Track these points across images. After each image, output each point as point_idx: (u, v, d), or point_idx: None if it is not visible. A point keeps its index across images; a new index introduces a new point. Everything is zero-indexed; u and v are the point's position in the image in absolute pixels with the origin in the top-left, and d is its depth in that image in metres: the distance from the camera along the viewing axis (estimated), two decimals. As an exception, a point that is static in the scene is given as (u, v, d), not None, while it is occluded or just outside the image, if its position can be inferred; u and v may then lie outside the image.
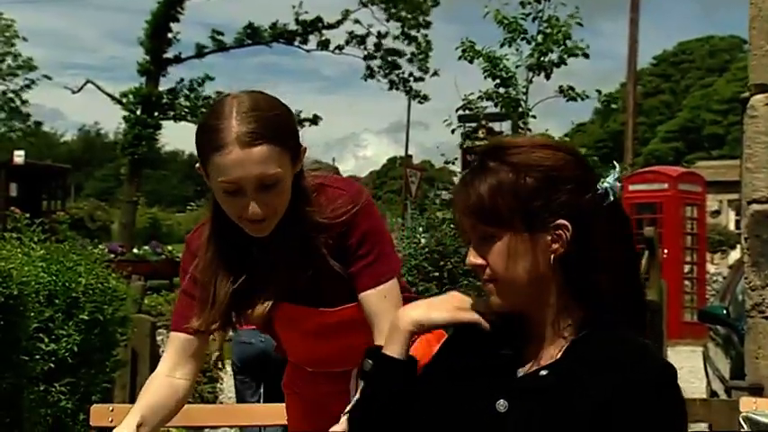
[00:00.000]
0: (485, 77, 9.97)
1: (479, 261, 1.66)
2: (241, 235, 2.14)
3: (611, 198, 1.66)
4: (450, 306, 1.79)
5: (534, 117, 10.01)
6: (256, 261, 2.20)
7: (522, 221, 1.62)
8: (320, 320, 2.25)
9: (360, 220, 2.18)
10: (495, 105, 10.00)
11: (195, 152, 2.08)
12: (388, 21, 25.10)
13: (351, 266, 2.18)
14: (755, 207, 4.19)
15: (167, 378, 2.23)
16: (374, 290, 2.17)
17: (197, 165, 2.09)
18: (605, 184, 1.67)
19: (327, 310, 2.24)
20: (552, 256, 1.62)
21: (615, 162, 1.74)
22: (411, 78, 25.96)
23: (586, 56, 9.96)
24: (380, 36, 25.28)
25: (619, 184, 1.68)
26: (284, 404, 2.52)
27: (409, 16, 24.84)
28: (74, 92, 24.93)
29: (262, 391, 5.80)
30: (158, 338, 6.92)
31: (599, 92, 10.64)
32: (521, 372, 1.67)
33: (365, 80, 25.76)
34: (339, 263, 2.17)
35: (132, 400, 5.91)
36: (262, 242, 2.16)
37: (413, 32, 25.21)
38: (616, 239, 1.67)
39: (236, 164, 1.97)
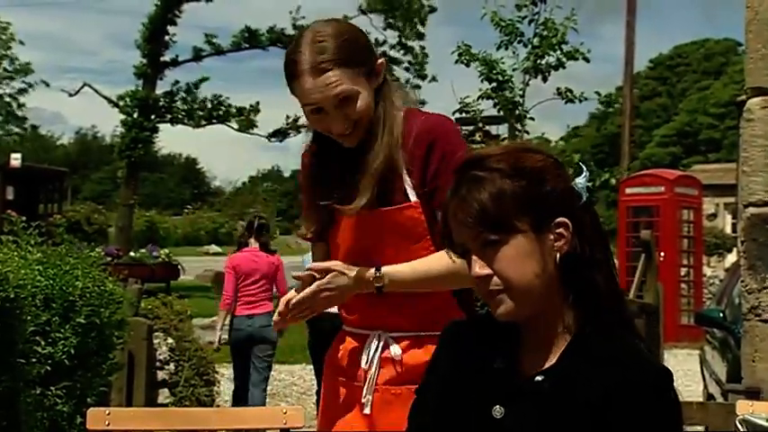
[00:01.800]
0: (481, 81, 10.00)
1: (486, 271, 1.64)
2: (334, 146, 2.40)
3: (584, 198, 1.68)
4: None
5: (533, 119, 10.04)
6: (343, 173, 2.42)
7: (526, 224, 1.62)
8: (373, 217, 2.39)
9: (441, 140, 2.36)
10: (494, 106, 10.02)
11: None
12: (385, 29, 25.16)
13: (432, 182, 2.35)
14: (752, 210, 4.20)
15: None
16: None
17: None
18: (579, 186, 1.69)
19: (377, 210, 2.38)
20: (558, 255, 1.64)
21: (581, 163, 1.77)
22: (408, 84, 26.01)
23: (587, 60, 9.97)
24: (378, 44, 25.34)
25: (589, 184, 1.71)
26: (279, 407, 2.54)
27: (406, 26, 24.88)
28: (71, 95, 24.95)
29: (253, 362, 7.33)
30: (155, 341, 6.90)
31: (598, 93, 10.67)
32: (517, 377, 1.67)
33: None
34: (413, 179, 2.36)
35: (129, 403, 5.92)
36: (351, 152, 2.39)
37: (409, 42, 25.29)
38: (601, 238, 1.70)
39: (311, 90, 2.28)
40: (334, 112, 2.30)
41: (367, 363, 2.40)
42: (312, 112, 2.33)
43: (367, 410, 2.39)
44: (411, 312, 2.39)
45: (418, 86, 26.18)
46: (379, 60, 2.40)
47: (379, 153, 2.34)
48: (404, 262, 2.36)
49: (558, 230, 1.64)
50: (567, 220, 1.64)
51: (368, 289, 2.35)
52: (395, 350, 2.40)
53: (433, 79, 25.85)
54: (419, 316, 2.40)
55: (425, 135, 2.36)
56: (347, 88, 2.29)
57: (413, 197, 2.37)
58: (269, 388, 7.86)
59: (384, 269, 2.34)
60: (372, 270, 2.34)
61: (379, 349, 2.41)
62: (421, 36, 25.32)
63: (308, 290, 2.34)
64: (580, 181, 1.69)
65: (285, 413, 2.47)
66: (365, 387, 2.40)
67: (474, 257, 1.65)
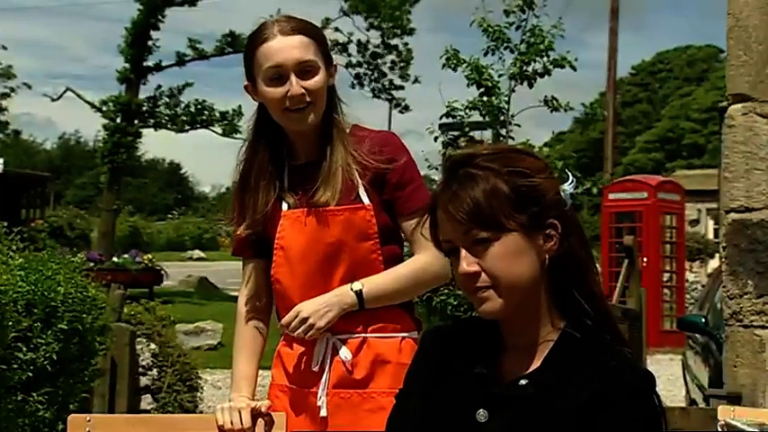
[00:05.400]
0: (468, 85, 10.01)
1: (474, 268, 1.64)
2: (278, 149, 2.48)
3: (568, 205, 1.70)
4: None
5: (519, 126, 10.06)
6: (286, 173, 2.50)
7: (517, 223, 1.63)
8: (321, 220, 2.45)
9: (400, 156, 2.48)
10: (481, 114, 10.03)
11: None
12: (368, 30, 25.17)
13: (395, 192, 2.45)
14: (733, 216, 4.22)
15: (253, 308, 2.55)
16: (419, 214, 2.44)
17: (245, 84, 2.48)
18: (565, 191, 1.70)
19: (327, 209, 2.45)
20: (546, 257, 1.65)
21: (568, 171, 1.79)
22: (392, 87, 26.06)
23: (573, 68, 9.99)
24: (361, 44, 25.35)
25: (574, 192, 1.73)
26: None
27: (390, 25, 24.89)
28: (53, 99, 24.80)
29: None
30: (138, 347, 6.88)
31: (584, 105, 10.71)
32: (500, 381, 1.67)
33: (353, 88, 25.85)
34: (373, 190, 2.43)
35: (111, 409, 5.89)
36: (296, 154, 2.49)
37: (393, 41, 25.31)
38: (586, 244, 1.72)
39: (279, 49, 2.37)
40: (293, 80, 2.37)
41: (317, 365, 2.43)
42: (271, 79, 2.39)
43: (323, 413, 2.41)
44: (356, 314, 2.43)
45: (402, 87, 26.26)
46: (335, 63, 2.51)
47: (340, 151, 2.44)
48: (356, 259, 2.43)
49: (547, 232, 1.65)
50: (557, 222, 1.66)
51: (349, 304, 2.41)
52: (344, 353, 2.43)
53: (416, 81, 25.88)
54: (364, 318, 2.44)
55: (384, 148, 2.46)
56: (311, 57, 2.40)
57: (366, 200, 2.44)
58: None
59: (361, 284, 2.42)
60: (348, 287, 2.42)
61: (329, 352, 2.44)
62: (408, 31, 25.30)
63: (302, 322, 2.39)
64: (566, 188, 1.70)
65: (267, 419, 2.45)
66: (320, 389, 2.43)
67: (462, 254, 1.65)
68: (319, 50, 2.43)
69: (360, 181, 2.44)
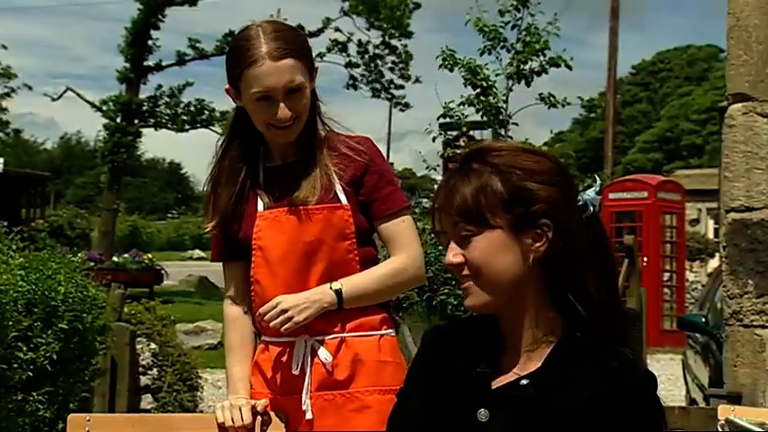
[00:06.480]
0: (465, 86, 9.99)
1: (459, 260, 1.67)
2: (253, 150, 2.50)
3: (591, 211, 1.69)
4: None
5: (516, 124, 10.05)
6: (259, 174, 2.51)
7: (504, 221, 1.64)
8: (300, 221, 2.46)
9: (377, 159, 2.52)
10: (477, 112, 10.02)
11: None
12: (368, 29, 25.19)
13: (371, 195, 2.48)
14: (733, 216, 4.22)
15: (239, 311, 2.55)
16: (396, 216, 2.50)
17: (226, 87, 2.48)
18: (586, 197, 1.70)
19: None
20: (533, 257, 1.65)
21: (597, 175, 1.78)
22: (392, 86, 26.09)
23: (569, 67, 9.98)
24: (361, 45, 25.38)
25: (599, 197, 1.72)
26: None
27: (390, 26, 24.93)
28: (53, 99, 24.82)
29: None
30: (138, 347, 6.88)
31: (581, 99, 10.69)
32: (501, 380, 1.67)
33: (347, 88, 25.89)
34: (350, 192, 2.45)
35: (112, 409, 5.89)
36: (272, 156, 2.50)
37: (393, 41, 25.35)
38: (595, 249, 1.69)
39: (268, 74, 2.36)
40: (281, 101, 2.38)
41: (297, 368, 2.42)
42: (258, 99, 2.39)
43: (309, 416, 2.41)
44: (333, 314, 2.43)
45: (402, 87, 26.30)
46: (316, 66, 2.51)
47: (318, 152, 2.46)
48: (334, 259, 2.44)
49: (537, 231, 1.65)
50: (549, 222, 1.65)
51: (329, 303, 2.41)
52: (324, 355, 2.43)
53: (417, 80, 25.91)
54: (341, 317, 2.44)
55: (361, 151, 2.48)
56: (300, 79, 2.39)
57: (344, 200, 2.45)
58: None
59: (340, 284, 2.42)
60: (328, 286, 2.42)
61: (309, 354, 2.43)
62: (407, 34, 25.36)
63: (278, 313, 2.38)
64: (589, 194, 1.70)
65: (266, 418, 2.46)
66: (303, 394, 2.42)
67: (450, 246, 1.68)
68: (306, 67, 2.42)
69: (337, 181, 2.45)
